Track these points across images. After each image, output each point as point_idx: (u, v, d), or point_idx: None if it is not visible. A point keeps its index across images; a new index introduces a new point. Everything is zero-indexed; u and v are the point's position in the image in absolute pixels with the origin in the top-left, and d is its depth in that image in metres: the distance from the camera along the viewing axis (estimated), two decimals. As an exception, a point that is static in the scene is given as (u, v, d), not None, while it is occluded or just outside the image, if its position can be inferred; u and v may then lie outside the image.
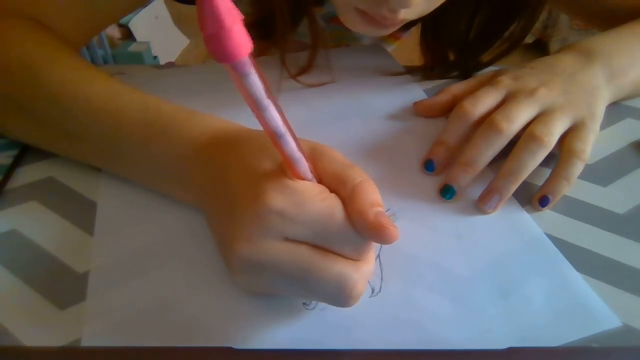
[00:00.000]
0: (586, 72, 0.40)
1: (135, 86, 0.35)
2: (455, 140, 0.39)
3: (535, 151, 0.35)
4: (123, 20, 1.95)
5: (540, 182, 0.38)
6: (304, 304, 0.28)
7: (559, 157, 0.37)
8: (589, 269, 0.31)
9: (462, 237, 0.33)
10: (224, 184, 0.28)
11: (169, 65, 1.13)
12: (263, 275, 0.25)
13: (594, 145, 0.37)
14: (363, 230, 0.24)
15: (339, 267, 0.24)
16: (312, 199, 0.24)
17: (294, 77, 0.47)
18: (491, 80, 0.41)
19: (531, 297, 0.30)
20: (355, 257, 0.25)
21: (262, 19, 0.46)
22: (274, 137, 0.22)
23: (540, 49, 2.07)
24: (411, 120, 0.45)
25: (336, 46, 0.61)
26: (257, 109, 0.21)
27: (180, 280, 0.30)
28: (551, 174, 0.37)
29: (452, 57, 0.53)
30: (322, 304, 0.28)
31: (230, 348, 0.26)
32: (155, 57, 1.99)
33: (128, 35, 2.04)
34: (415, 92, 0.49)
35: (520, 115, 0.37)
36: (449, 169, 0.37)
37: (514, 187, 0.35)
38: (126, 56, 1.89)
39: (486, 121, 0.37)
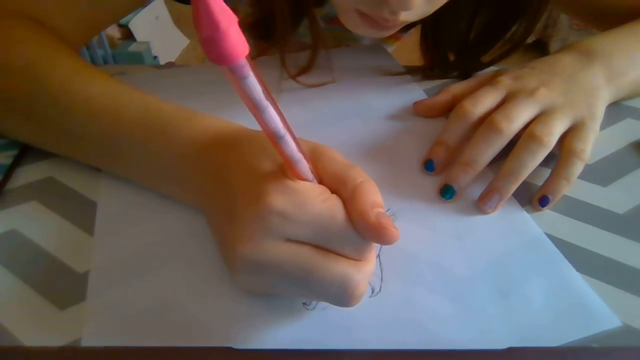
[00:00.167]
0: (586, 72, 0.40)
1: (135, 86, 0.35)
2: (455, 140, 0.39)
3: (535, 151, 0.35)
4: (123, 20, 1.95)
5: (540, 182, 0.38)
6: (304, 304, 0.28)
7: (559, 157, 0.37)
8: (589, 269, 0.31)
9: (462, 237, 0.33)
10: (224, 184, 0.28)
11: (169, 65, 1.13)
12: (264, 275, 0.25)
13: (594, 145, 0.37)
14: (364, 231, 0.24)
15: (341, 267, 0.24)
16: (313, 200, 0.24)
17: (294, 77, 0.47)
18: (491, 80, 0.41)
19: (531, 297, 0.30)
20: (356, 257, 0.25)
21: (262, 20, 0.46)
22: (274, 138, 0.22)
23: (540, 49, 2.07)
24: (411, 120, 0.45)
25: (336, 46, 0.61)
26: (256, 111, 0.21)
27: (181, 280, 0.30)
28: (551, 173, 0.37)
29: (452, 57, 0.53)
30: (322, 304, 0.28)
31: (230, 348, 0.26)
32: (155, 57, 1.99)
33: (128, 35, 2.04)
34: (415, 92, 0.49)
35: (520, 115, 0.37)
36: (449, 169, 0.37)
37: (514, 187, 0.35)
38: (126, 56, 1.89)
39: (486, 121, 0.37)
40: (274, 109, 0.21)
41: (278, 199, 0.24)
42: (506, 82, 0.40)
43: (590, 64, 0.41)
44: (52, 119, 0.35)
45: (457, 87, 0.44)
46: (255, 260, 0.24)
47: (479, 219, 0.35)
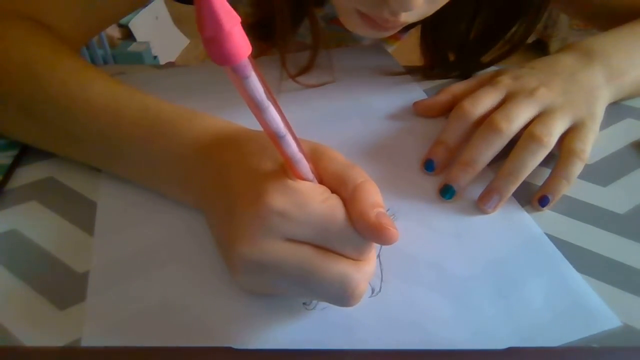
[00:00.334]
0: (586, 72, 0.40)
1: (135, 86, 0.35)
2: (455, 140, 0.39)
3: (535, 151, 0.35)
4: (123, 20, 1.95)
5: (540, 182, 0.38)
6: (304, 304, 0.28)
7: (558, 157, 0.37)
8: (589, 269, 0.31)
9: (462, 237, 0.33)
10: (224, 184, 0.28)
11: (169, 65, 1.12)
12: (265, 275, 0.25)
13: (594, 145, 0.37)
14: (364, 231, 0.24)
15: (341, 267, 0.24)
16: (314, 200, 0.24)
17: (294, 77, 0.47)
18: (491, 80, 0.41)
19: (531, 297, 0.30)
20: (356, 257, 0.25)
21: (263, 20, 0.46)
22: (275, 138, 0.22)
23: (540, 49, 2.07)
24: (411, 120, 0.45)
25: (336, 47, 0.61)
26: (258, 111, 0.21)
27: (181, 280, 0.30)
28: (551, 173, 0.37)
29: (452, 57, 0.53)
30: (322, 304, 0.28)
31: (230, 348, 0.26)
32: (155, 57, 1.99)
33: (128, 35, 2.04)
34: (415, 92, 0.49)
35: (520, 115, 0.37)
36: (449, 169, 0.37)
37: (513, 187, 0.35)
38: (126, 56, 1.89)
39: (486, 121, 0.37)
40: (275, 108, 0.21)
41: (278, 199, 0.24)
42: (506, 82, 0.40)
43: (590, 64, 0.41)
44: (51, 119, 0.35)
45: (457, 87, 0.44)
46: (256, 260, 0.24)
47: (479, 219, 0.35)
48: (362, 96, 0.48)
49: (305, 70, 0.47)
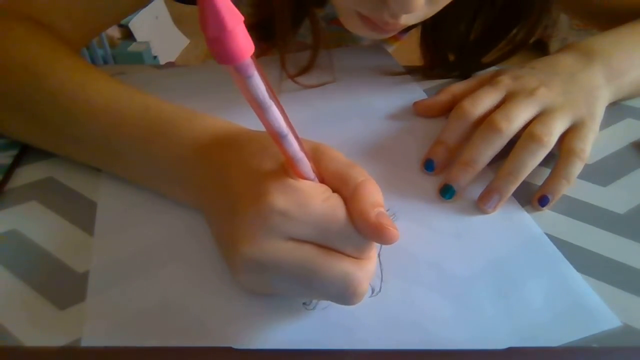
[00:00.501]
0: (586, 72, 0.40)
1: (136, 86, 0.35)
2: (455, 140, 0.39)
3: (535, 151, 0.35)
4: (123, 21, 1.94)
5: (540, 182, 0.38)
6: (304, 304, 0.28)
7: (558, 156, 0.37)
8: (589, 269, 0.31)
9: (462, 236, 0.33)
10: (224, 184, 0.28)
11: (169, 65, 1.13)
12: (266, 275, 0.25)
13: (594, 145, 0.37)
14: (364, 230, 0.24)
15: (343, 265, 0.24)
16: (315, 199, 0.24)
17: (294, 77, 0.47)
18: (491, 80, 0.41)
19: (531, 297, 0.30)
20: (357, 255, 0.25)
21: (263, 21, 0.46)
22: (277, 137, 0.22)
23: (540, 49, 2.07)
24: (411, 120, 0.45)
25: (336, 47, 0.61)
26: (260, 110, 0.21)
27: (181, 280, 0.30)
28: (551, 173, 0.37)
29: (452, 57, 0.53)
30: (322, 304, 0.28)
31: (230, 348, 0.26)
32: (155, 57, 1.99)
33: (128, 35, 2.04)
34: (415, 92, 0.49)
35: (520, 115, 0.37)
36: (449, 168, 0.37)
37: (513, 187, 0.35)
38: (126, 56, 1.89)
39: (486, 121, 0.37)
40: (278, 108, 0.21)
41: (279, 198, 0.24)
42: (506, 82, 0.40)
43: (590, 64, 0.41)
44: (51, 119, 0.35)
45: (457, 87, 0.44)
46: (257, 259, 0.24)
47: (478, 219, 0.35)
48: (363, 96, 0.48)
49: (305, 70, 0.47)
